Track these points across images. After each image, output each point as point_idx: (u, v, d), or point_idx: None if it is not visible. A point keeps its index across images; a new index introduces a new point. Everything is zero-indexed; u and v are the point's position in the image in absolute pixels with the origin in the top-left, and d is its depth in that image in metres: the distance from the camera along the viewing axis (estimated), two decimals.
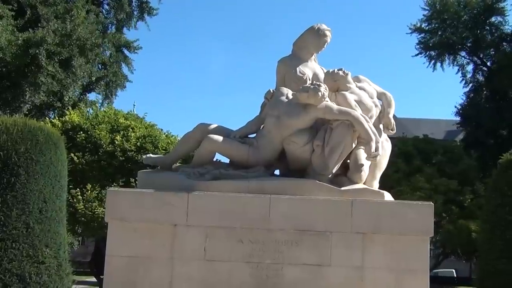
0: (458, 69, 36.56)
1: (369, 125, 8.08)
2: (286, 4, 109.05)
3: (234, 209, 7.68)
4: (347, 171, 8.16)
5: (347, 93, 8.42)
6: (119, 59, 30.39)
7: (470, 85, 36.52)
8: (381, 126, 8.75)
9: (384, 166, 8.66)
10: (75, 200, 17.61)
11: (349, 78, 8.61)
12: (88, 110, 23.72)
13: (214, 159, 8.51)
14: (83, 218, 17.88)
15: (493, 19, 35.27)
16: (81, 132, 18.97)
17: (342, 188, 7.90)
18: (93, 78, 27.76)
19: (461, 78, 36.53)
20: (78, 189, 17.93)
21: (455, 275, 43.73)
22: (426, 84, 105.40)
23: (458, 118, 36.12)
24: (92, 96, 30.11)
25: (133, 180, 17.75)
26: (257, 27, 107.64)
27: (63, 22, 24.60)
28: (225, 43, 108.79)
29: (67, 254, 11.18)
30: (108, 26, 31.55)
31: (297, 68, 8.75)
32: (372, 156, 7.96)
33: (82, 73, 25.46)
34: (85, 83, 27.83)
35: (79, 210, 17.70)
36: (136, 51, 31.07)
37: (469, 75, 36.54)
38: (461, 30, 34.99)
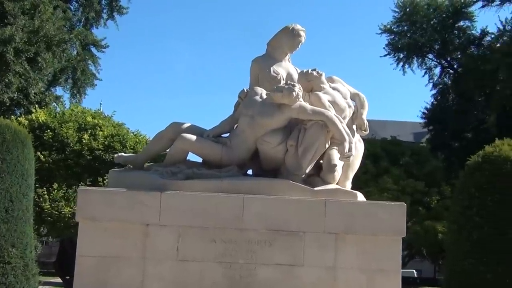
0: (426, 72, 37.04)
1: (342, 126, 8.10)
2: (260, 3, 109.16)
3: (207, 209, 7.62)
4: (320, 171, 8.17)
5: (321, 94, 8.42)
6: (86, 57, 30.04)
7: (437, 87, 37.01)
8: (354, 126, 8.78)
9: (357, 166, 8.69)
10: (41, 200, 17.35)
11: (323, 78, 8.62)
12: (55, 107, 23.37)
13: (187, 159, 8.43)
14: (49, 218, 17.63)
15: (461, 23, 35.81)
16: (48, 130, 18.69)
17: (315, 188, 7.89)
18: (57, 70, 27.26)
19: (428, 81, 37.01)
20: (44, 188, 17.68)
21: (415, 275, 44.35)
22: (392, 86, 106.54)
23: (424, 120, 36.56)
24: (58, 92, 29.73)
25: (101, 179, 17.59)
26: (229, 26, 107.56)
27: (30, 18, 24.21)
28: (192, 43, 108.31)
29: (34, 255, 11.00)
30: (76, 23, 31.17)
31: (271, 68, 8.73)
32: (345, 157, 7.99)
33: (48, 69, 25.08)
34: (50, 78, 27.40)
35: (45, 210, 17.44)
36: (103, 49, 30.77)
37: (436, 78, 37.04)
38: (430, 33, 35.45)
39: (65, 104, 26.98)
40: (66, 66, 28.40)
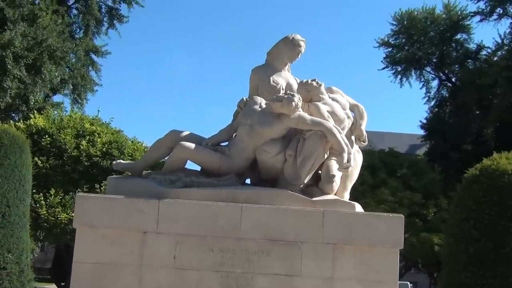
0: (423, 85, 37.10)
1: (341, 136, 8.11)
2: (259, 15, 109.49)
3: (205, 217, 7.61)
4: (319, 182, 8.17)
5: (320, 104, 8.43)
6: (87, 63, 30.10)
7: (434, 100, 37.08)
8: (353, 137, 8.79)
9: (355, 177, 8.70)
10: (38, 205, 17.31)
11: (322, 89, 8.64)
12: (54, 113, 23.36)
13: (186, 167, 8.43)
14: (45, 224, 17.60)
15: (458, 36, 35.93)
16: (46, 136, 18.69)
17: (314, 199, 7.89)
18: (58, 79, 27.38)
19: (425, 94, 37.06)
20: (41, 194, 17.64)
21: None
22: (390, 98, 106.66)
23: (422, 132, 36.57)
24: (57, 98, 29.78)
25: (98, 186, 17.57)
26: (234, 34, 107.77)
27: (30, 26, 24.28)
28: (191, 51, 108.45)
29: (30, 260, 10.98)
30: (76, 30, 31.25)
31: (271, 78, 8.74)
32: (344, 167, 7.98)
33: (51, 79, 25.14)
34: (52, 86, 27.46)
35: (42, 216, 17.41)
36: (104, 56, 30.86)
37: (433, 91, 37.10)
38: (427, 46, 35.55)
39: (66, 109, 27.02)
40: (69, 76, 28.46)
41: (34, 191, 15.16)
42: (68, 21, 29.26)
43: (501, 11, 32.73)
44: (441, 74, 36.95)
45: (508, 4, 32.55)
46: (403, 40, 36.25)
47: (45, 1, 26.56)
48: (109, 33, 32.26)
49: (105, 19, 31.91)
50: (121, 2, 31.81)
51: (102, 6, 31.94)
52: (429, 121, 35.76)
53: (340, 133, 8.15)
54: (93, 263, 7.51)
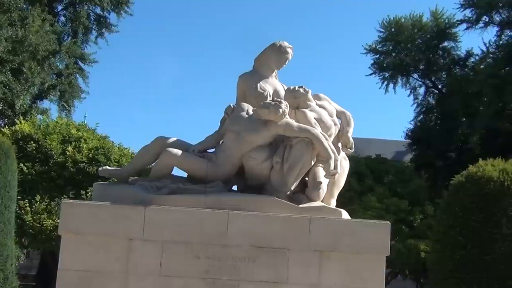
0: (410, 91, 37.25)
1: (328, 143, 8.12)
2: (246, 21, 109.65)
3: (191, 224, 7.58)
4: (306, 189, 8.16)
5: (307, 111, 8.44)
6: (74, 70, 29.96)
7: (421, 107, 37.22)
8: (339, 144, 8.81)
9: (342, 184, 8.71)
10: (23, 212, 17.18)
11: (310, 96, 8.65)
12: (39, 118, 23.22)
13: (172, 173, 8.40)
14: (31, 230, 17.45)
15: (445, 43, 36.08)
16: (32, 142, 18.58)
17: (300, 206, 7.88)
18: (46, 85, 27.23)
19: (413, 100, 37.20)
20: (26, 200, 17.51)
21: None
22: (376, 105, 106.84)
23: (408, 140, 36.65)
24: (44, 105, 29.61)
25: (84, 192, 17.47)
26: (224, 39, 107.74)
27: (16, 30, 24.18)
28: (177, 57, 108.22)
29: (14, 267, 10.91)
30: (64, 37, 31.08)
31: (258, 84, 8.74)
32: (330, 174, 8.00)
33: (34, 79, 24.97)
34: (37, 91, 27.29)
35: (27, 222, 17.28)
36: (91, 64, 30.78)
37: (420, 98, 37.25)
38: (415, 53, 35.71)
39: (51, 115, 26.85)
40: (56, 83, 28.30)
41: (19, 197, 15.07)
42: (57, 28, 29.09)
43: (487, 19, 32.96)
44: (428, 81, 37.12)
45: (494, 13, 32.78)
46: (391, 47, 36.39)
47: (34, 7, 26.48)
48: (99, 42, 32.21)
49: (93, 27, 31.79)
50: (110, 10, 31.73)
51: (91, 14, 31.83)
52: (414, 128, 35.91)
53: (327, 140, 8.16)
54: (78, 270, 7.44)
